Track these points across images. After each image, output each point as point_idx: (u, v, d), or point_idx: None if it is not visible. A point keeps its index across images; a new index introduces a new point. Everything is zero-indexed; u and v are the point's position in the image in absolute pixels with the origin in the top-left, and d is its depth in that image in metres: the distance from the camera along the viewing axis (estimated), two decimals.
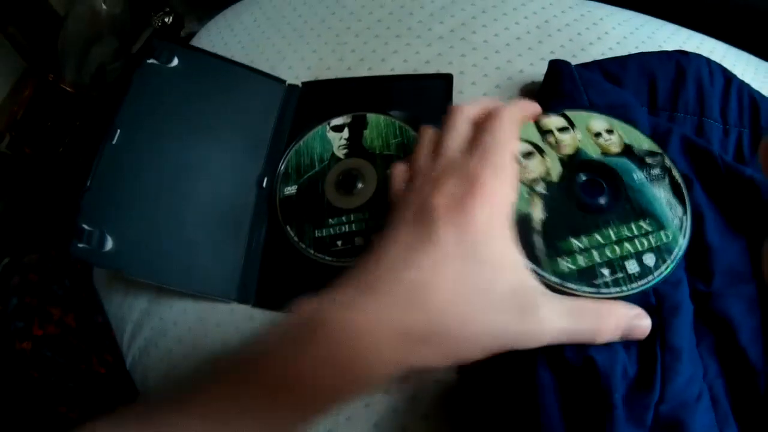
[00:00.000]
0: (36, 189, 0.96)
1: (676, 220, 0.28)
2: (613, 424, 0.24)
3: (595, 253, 0.27)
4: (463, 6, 0.48)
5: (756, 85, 0.39)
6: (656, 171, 0.29)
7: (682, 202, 0.28)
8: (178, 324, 0.41)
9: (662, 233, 0.27)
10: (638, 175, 0.29)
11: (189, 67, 0.43)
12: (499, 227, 0.25)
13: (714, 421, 0.27)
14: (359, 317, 0.23)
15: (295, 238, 0.39)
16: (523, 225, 0.28)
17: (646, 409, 0.25)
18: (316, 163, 0.42)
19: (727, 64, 0.40)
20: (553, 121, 0.32)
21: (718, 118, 0.36)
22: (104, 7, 0.98)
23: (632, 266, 0.27)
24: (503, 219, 0.25)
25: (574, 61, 0.39)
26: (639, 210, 0.28)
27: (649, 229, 0.28)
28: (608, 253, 0.27)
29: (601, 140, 0.31)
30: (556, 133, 0.31)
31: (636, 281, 0.27)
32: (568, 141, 0.31)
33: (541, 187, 0.29)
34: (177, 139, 0.41)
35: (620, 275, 0.27)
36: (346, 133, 0.43)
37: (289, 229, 0.40)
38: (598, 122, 0.32)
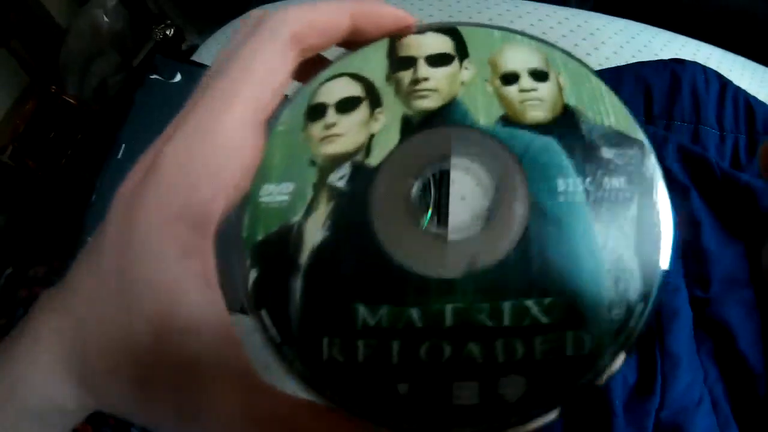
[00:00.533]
0: (38, 201, 0.97)
1: (617, 311, 0.14)
2: (614, 431, 0.24)
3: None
4: (460, 20, 0.49)
5: (752, 90, 0.39)
6: (618, 181, 0.15)
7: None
8: None
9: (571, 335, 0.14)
10: (569, 183, 0.15)
11: (191, 82, 0.43)
12: (168, 241, 0.15)
13: (715, 424, 0.27)
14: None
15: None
16: (270, 251, 0.15)
17: (646, 415, 0.25)
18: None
19: (723, 70, 0.40)
20: (427, 42, 0.17)
21: (714, 125, 0.37)
22: (106, 20, 1.00)
23: None
24: (184, 228, 0.15)
25: None
26: (539, 279, 0.14)
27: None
28: None
29: (513, 89, 0.16)
30: (421, 65, 0.17)
31: None
32: (439, 82, 0.16)
33: (339, 176, 0.15)
34: None
35: None
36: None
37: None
38: (520, 54, 0.17)
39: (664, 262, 0.14)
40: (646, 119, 0.37)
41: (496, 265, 0.14)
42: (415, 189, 0.15)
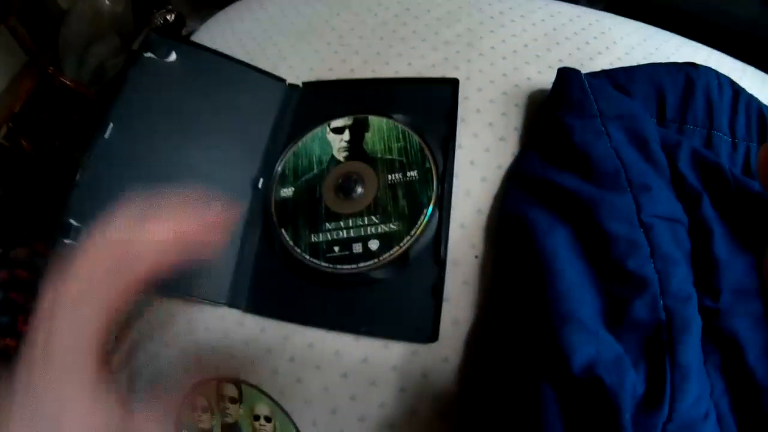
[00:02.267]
0: (31, 182, 0.95)
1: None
2: None
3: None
4: (469, 11, 0.48)
5: (763, 98, 0.38)
6: None
7: None
8: (166, 327, 0.39)
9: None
10: None
11: (187, 62, 0.42)
12: None
13: None
14: None
15: (291, 243, 0.38)
16: None
17: (653, 429, 0.24)
18: (315, 166, 0.41)
19: (734, 78, 0.39)
20: (228, 388, 0.34)
21: (727, 132, 0.36)
22: (107, 3, 0.98)
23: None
24: None
25: (582, 71, 0.38)
26: None
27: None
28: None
29: (257, 424, 0.32)
30: (226, 401, 0.33)
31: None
32: (232, 412, 0.32)
33: None
34: (172, 136, 0.39)
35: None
36: (347, 135, 0.42)
37: (284, 232, 0.38)
38: (263, 406, 0.33)
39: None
40: (658, 121, 0.36)
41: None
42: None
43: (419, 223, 0.36)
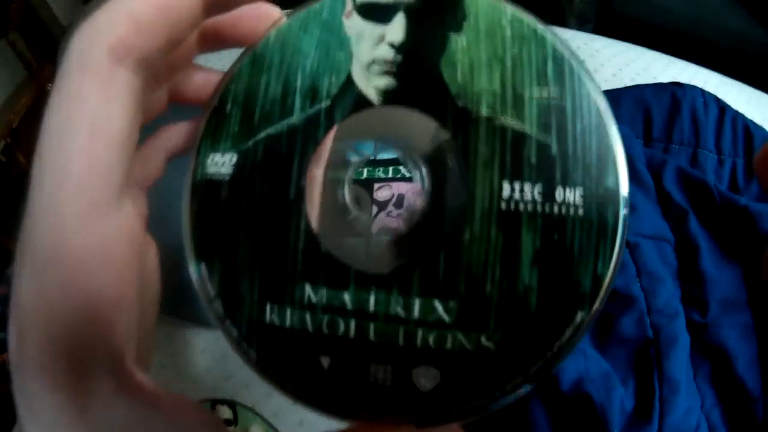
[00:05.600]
0: (25, 197, 0.96)
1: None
2: None
3: None
4: None
5: (749, 114, 0.39)
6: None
7: None
8: (162, 349, 0.40)
9: None
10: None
11: None
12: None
13: None
14: None
15: (217, 309, 0.16)
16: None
17: None
18: (299, 101, 0.16)
19: (721, 94, 0.41)
20: (223, 410, 0.33)
21: (713, 149, 0.37)
22: None
23: None
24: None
25: None
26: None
27: None
28: None
29: None
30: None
31: None
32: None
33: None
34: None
35: None
36: (398, 28, 0.16)
37: (202, 271, 0.16)
38: (257, 428, 0.32)
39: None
40: (645, 142, 0.37)
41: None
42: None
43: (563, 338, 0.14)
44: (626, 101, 0.39)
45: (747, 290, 0.30)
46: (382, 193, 0.23)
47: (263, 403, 0.35)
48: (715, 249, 0.31)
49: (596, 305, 0.14)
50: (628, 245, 0.29)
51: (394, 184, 0.16)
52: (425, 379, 0.14)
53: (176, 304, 0.33)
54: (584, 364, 0.26)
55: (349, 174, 0.17)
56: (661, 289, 0.28)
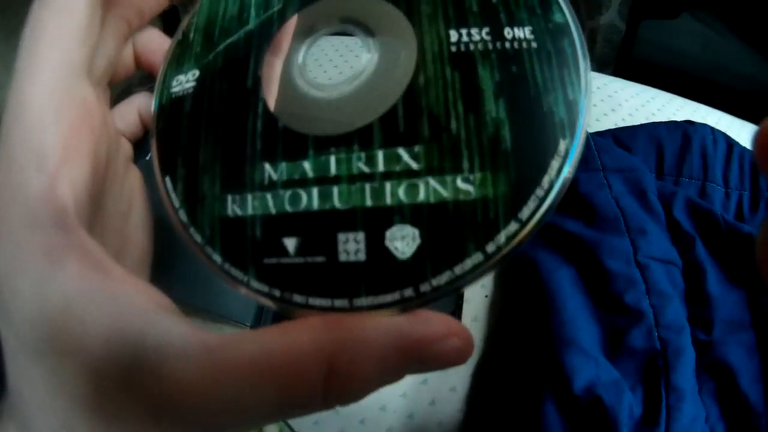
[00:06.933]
0: None
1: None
2: None
3: None
4: None
5: None
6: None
7: None
8: None
9: None
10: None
11: None
12: (25, 262, 0.13)
13: None
14: None
15: (180, 215, 0.16)
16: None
17: None
18: (256, 9, 0.17)
19: (732, 133, 0.43)
20: None
21: (720, 182, 0.39)
22: None
23: None
24: (36, 236, 0.13)
25: (588, 130, 0.43)
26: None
27: None
28: None
29: None
30: None
31: None
32: None
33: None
34: None
35: None
36: None
37: (166, 185, 0.16)
38: (272, 426, 0.29)
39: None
40: (657, 175, 0.40)
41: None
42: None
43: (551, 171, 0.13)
44: (641, 137, 0.42)
45: (750, 312, 0.32)
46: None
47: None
48: (721, 273, 0.33)
49: (578, 132, 0.13)
50: (639, 265, 0.32)
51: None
52: (402, 242, 0.13)
53: (189, 293, 0.32)
54: (596, 369, 0.28)
55: (303, 53, 0.16)
56: (669, 307, 0.30)
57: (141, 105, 0.19)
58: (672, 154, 0.41)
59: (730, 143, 0.41)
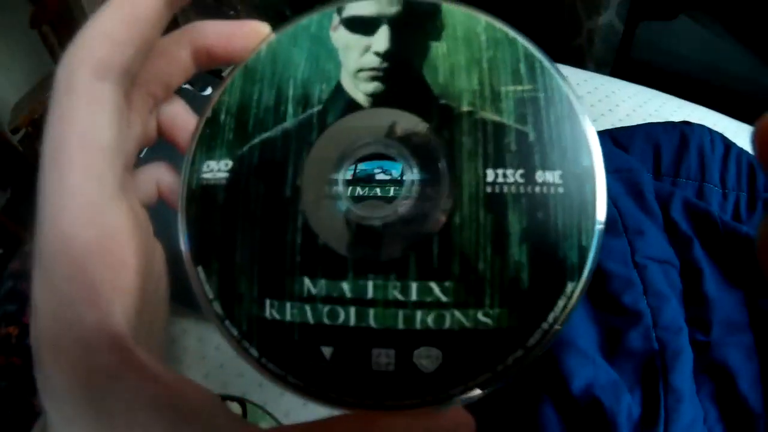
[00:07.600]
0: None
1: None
2: None
3: None
4: None
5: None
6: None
7: None
8: (176, 343, 0.40)
9: None
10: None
11: None
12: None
13: None
14: None
15: (217, 309, 0.16)
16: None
17: None
18: (292, 107, 0.17)
19: (729, 134, 0.43)
20: (232, 407, 0.31)
21: (718, 183, 0.39)
22: None
23: None
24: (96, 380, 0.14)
25: None
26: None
27: None
28: None
29: None
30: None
31: None
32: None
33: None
34: None
35: None
36: (382, 38, 0.17)
37: (199, 275, 0.16)
38: (266, 426, 0.28)
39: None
40: (654, 175, 0.40)
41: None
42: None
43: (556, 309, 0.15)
44: (638, 138, 0.42)
45: (748, 313, 0.31)
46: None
47: (275, 402, 0.35)
48: (718, 274, 0.33)
49: (584, 276, 0.14)
50: (636, 266, 0.31)
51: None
52: (427, 360, 0.15)
53: (192, 299, 0.35)
54: (593, 371, 0.27)
55: (343, 172, 0.16)
56: (667, 308, 0.30)
57: (160, 178, 0.19)
58: (669, 154, 0.41)
59: (728, 144, 0.41)
